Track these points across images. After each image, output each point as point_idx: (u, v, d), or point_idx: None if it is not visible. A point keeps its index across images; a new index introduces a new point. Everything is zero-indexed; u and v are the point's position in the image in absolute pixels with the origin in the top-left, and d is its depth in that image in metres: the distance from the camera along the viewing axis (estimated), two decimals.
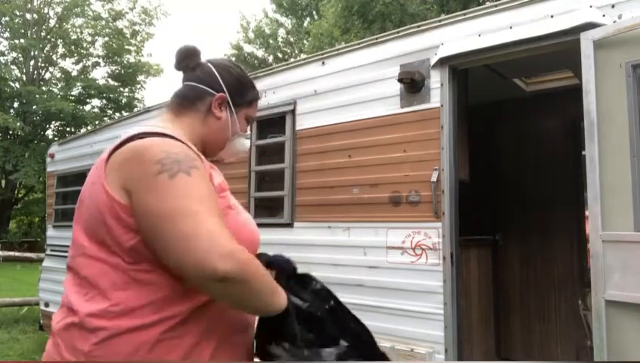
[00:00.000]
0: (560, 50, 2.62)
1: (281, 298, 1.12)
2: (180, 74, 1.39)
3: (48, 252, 6.27)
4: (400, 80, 3.00)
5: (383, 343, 2.94)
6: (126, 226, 1.07)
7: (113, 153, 1.12)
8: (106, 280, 1.08)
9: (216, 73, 1.33)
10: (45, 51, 21.67)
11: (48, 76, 22.61)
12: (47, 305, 6.04)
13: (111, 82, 23.20)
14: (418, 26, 3.12)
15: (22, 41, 20.48)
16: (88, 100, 22.69)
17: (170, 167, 1.06)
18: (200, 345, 1.09)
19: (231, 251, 0.99)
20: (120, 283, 1.07)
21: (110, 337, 1.04)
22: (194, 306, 1.09)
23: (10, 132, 20.03)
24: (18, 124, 18.30)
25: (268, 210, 3.87)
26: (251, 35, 27.06)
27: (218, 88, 1.32)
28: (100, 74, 25.60)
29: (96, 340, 1.04)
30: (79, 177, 5.76)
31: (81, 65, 22.91)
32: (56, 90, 21.33)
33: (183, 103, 1.32)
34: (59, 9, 21.62)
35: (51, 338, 1.13)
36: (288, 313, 1.10)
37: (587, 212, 2.42)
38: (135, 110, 19.42)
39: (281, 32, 26.96)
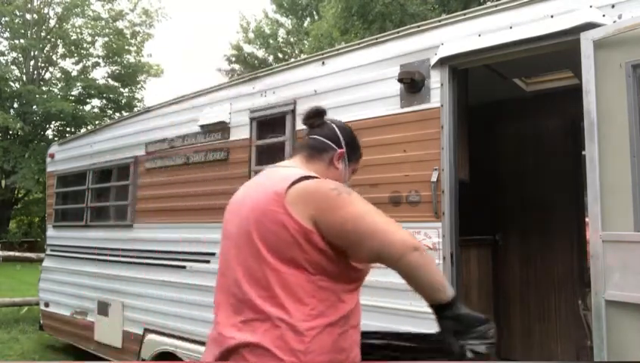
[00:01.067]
0: (560, 50, 2.62)
1: (449, 288, 1.40)
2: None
3: (48, 252, 6.27)
4: (400, 80, 3.00)
5: None
6: (314, 246, 1.39)
7: (288, 190, 1.42)
8: (301, 290, 1.38)
9: (339, 133, 1.70)
10: (45, 51, 21.66)
11: (48, 76, 22.60)
12: (47, 305, 6.04)
13: (111, 82, 23.19)
14: (418, 26, 3.12)
15: (22, 41, 20.47)
16: (88, 100, 22.68)
17: (343, 190, 1.46)
18: (352, 332, 1.48)
19: (410, 233, 1.39)
20: (310, 291, 1.39)
21: (317, 334, 1.37)
22: (349, 307, 1.47)
23: (10, 132, 20.02)
24: (18, 124, 18.29)
25: None
26: (251, 35, 27.06)
27: (339, 144, 1.69)
28: (100, 74, 25.61)
29: (309, 339, 1.36)
30: (79, 177, 5.76)
31: (81, 65, 22.91)
32: (56, 90, 21.32)
33: (312, 153, 1.68)
34: (59, 9, 21.61)
35: (247, 350, 1.39)
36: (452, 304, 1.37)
37: (587, 218, 2.42)
38: (135, 110, 19.41)
39: (281, 32, 26.96)
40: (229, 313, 1.47)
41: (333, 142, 1.68)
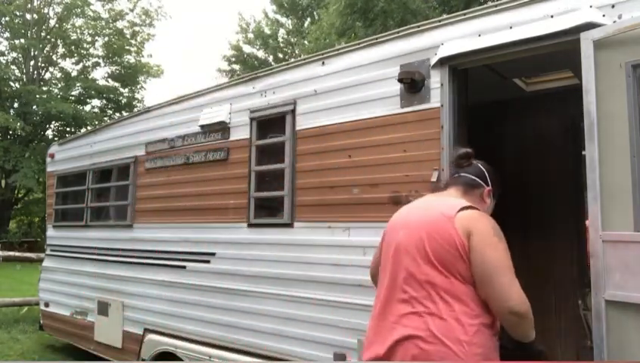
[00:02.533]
0: (560, 50, 2.61)
1: (533, 333, 1.81)
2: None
3: (48, 252, 6.27)
4: (400, 80, 3.00)
5: None
6: (465, 260, 1.74)
7: (456, 214, 1.80)
8: (462, 294, 1.72)
9: (486, 173, 2.09)
10: (45, 51, 21.66)
11: (48, 76, 22.60)
12: (47, 305, 6.04)
13: (111, 83, 23.18)
14: (418, 26, 3.12)
15: (22, 41, 20.46)
16: (88, 100, 22.68)
17: (498, 233, 1.80)
18: (495, 338, 1.78)
19: (526, 302, 1.72)
20: (469, 295, 1.73)
21: (477, 331, 1.70)
22: (494, 317, 1.77)
23: (10, 132, 20.03)
24: (19, 124, 18.29)
25: (267, 210, 3.87)
26: (250, 35, 27.05)
27: (487, 183, 2.07)
28: (100, 74, 25.58)
29: (472, 331, 1.68)
30: (79, 177, 5.76)
31: (81, 65, 22.90)
32: (56, 90, 21.31)
33: (467, 188, 2.04)
34: (59, 9, 21.61)
35: (421, 341, 1.70)
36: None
37: (587, 219, 2.42)
38: (135, 110, 19.40)
39: (282, 32, 26.95)
40: (398, 307, 1.80)
41: (483, 180, 2.07)
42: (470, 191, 2.04)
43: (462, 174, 2.09)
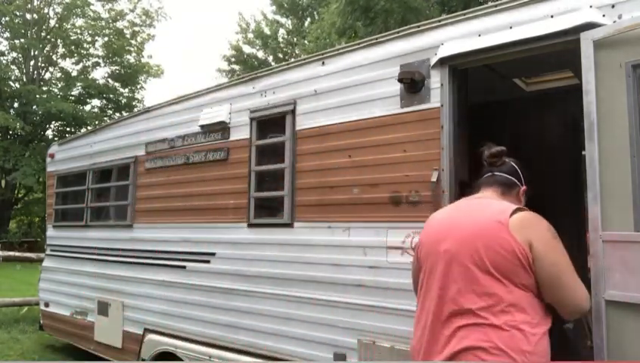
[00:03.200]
0: (560, 50, 2.61)
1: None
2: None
3: (48, 252, 6.27)
4: (400, 80, 3.00)
5: (383, 343, 2.95)
6: (527, 269, 1.70)
7: (509, 219, 1.75)
8: (523, 303, 1.69)
9: (519, 171, 2.07)
10: (45, 51, 21.66)
11: (48, 76, 22.60)
12: (47, 305, 6.04)
13: (111, 82, 23.18)
14: (418, 26, 3.12)
15: (22, 41, 20.46)
16: (88, 100, 22.68)
17: (554, 233, 1.80)
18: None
19: (589, 298, 1.80)
20: (530, 303, 1.71)
21: (539, 340, 1.68)
22: (550, 321, 1.77)
23: (10, 132, 20.02)
24: (18, 124, 18.29)
25: (267, 210, 3.87)
26: (250, 35, 27.04)
27: (522, 182, 2.05)
28: (100, 74, 25.54)
29: (534, 341, 1.66)
30: (79, 177, 5.76)
31: (81, 65, 22.90)
32: (56, 90, 21.31)
33: (504, 189, 2.01)
34: (59, 9, 21.60)
35: (484, 352, 1.67)
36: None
37: (587, 219, 2.43)
38: (135, 110, 19.40)
39: (282, 32, 26.95)
40: (453, 320, 1.74)
41: (517, 179, 2.04)
42: (508, 192, 2.01)
43: (497, 173, 2.04)
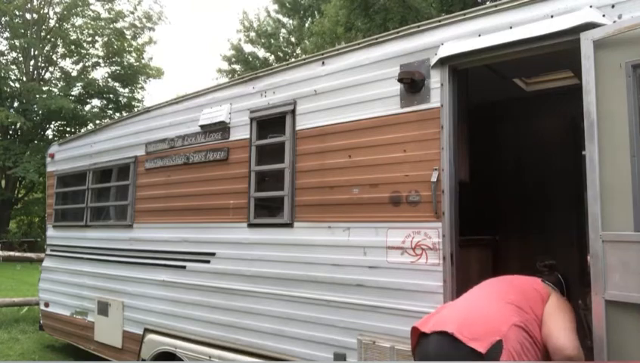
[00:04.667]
0: (560, 50, 2.61)
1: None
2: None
3: (48, 252, 6.27)
4: (400, 80, 3.00)
5: (383, 343, 2.95)
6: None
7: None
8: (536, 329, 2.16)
9: (563, 283, 2.63)
10: (45, 51, 21.65)
11: (47, 75, 22.59)
12: (47, 305, 6.04)
13: (111, 82, 23.17)
14: (418, 26, 3.12)
15: (22, 40, 20.45)
16: (88, 100, 22.68)
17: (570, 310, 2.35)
18: None
19: (579, 347, 2.10)
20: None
21: None
22: None
23: (11, 132, 20.02)
24: (18, 123, 18.29)
25: (267, 210, 3.87)
26: (252, 34, 27.04)
27: (563, 292, 2.59)
28: (100, 74, 25.51)
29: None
30: (79, 177, 5.76)
31: (81, 65, 22.89)
32: (56, 90, 21.31)
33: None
34: (59, 9, 21.59)
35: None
36: None
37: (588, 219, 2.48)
38: (135, 110, 19.40)
39: (283, 31, 26.95)
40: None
41: (560, 290, 2.57)
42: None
43: (544, 281, 2.55)
